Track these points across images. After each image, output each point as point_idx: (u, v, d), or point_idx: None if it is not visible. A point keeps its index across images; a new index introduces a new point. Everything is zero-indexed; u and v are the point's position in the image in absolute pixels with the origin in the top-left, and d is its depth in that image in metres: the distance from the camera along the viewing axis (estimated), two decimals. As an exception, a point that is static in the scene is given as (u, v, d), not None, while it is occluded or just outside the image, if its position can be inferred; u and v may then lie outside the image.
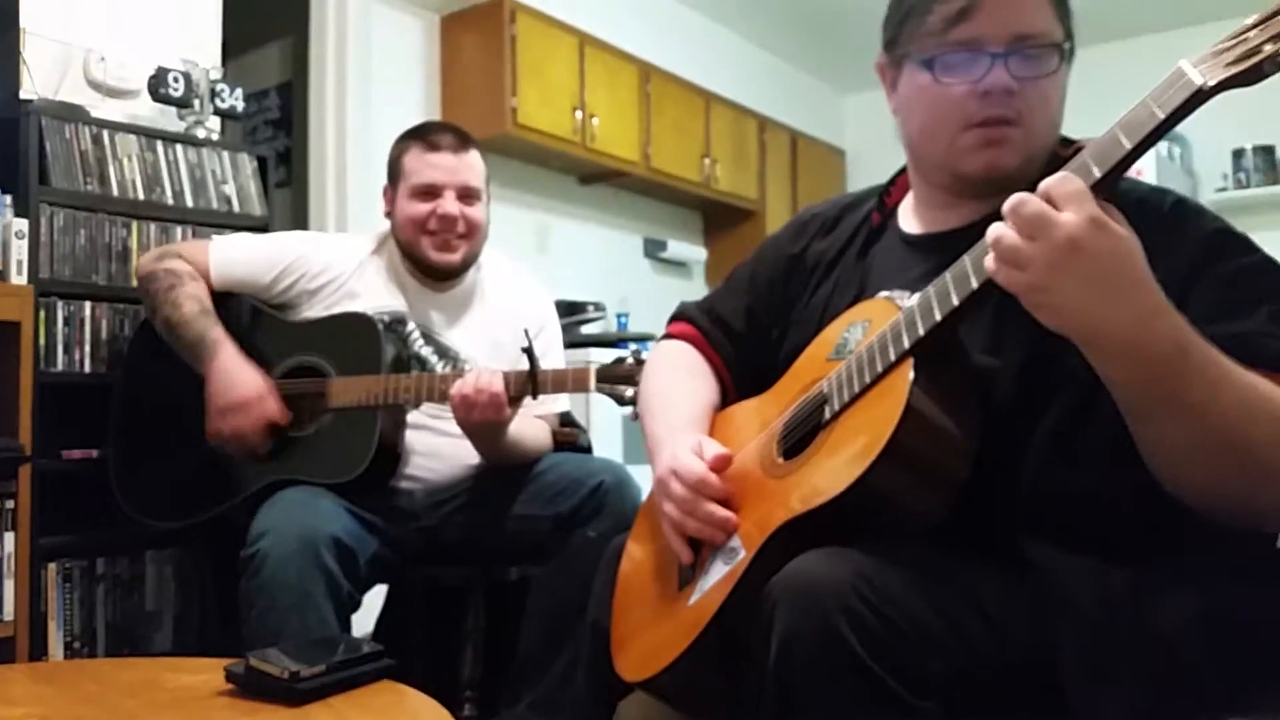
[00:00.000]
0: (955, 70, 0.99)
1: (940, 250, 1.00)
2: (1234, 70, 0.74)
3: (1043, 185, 0.79)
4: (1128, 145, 0.79)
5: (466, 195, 1.86)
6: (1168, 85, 0.77)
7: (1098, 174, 0.80)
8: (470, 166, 1.87)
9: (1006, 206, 0.80)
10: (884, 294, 1.04)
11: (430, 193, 1.84)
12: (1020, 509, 0.93)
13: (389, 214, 1.92)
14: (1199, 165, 4.78)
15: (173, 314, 1.80)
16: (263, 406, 1.73)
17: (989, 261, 0.82)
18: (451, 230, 1.84)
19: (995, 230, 0.81)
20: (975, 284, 0.86)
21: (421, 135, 1.88)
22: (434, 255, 1.85)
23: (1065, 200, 0.77)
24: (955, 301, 0.88)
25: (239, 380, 1.74)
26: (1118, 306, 0.78)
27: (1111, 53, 3.92)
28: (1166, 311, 0.80)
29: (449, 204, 1.83)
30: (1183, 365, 0.79)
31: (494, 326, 1.93)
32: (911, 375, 0.89)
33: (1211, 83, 0.75)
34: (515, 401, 1.68)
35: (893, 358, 0.92)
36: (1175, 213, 0.97)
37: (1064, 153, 0.99)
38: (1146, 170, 3.98)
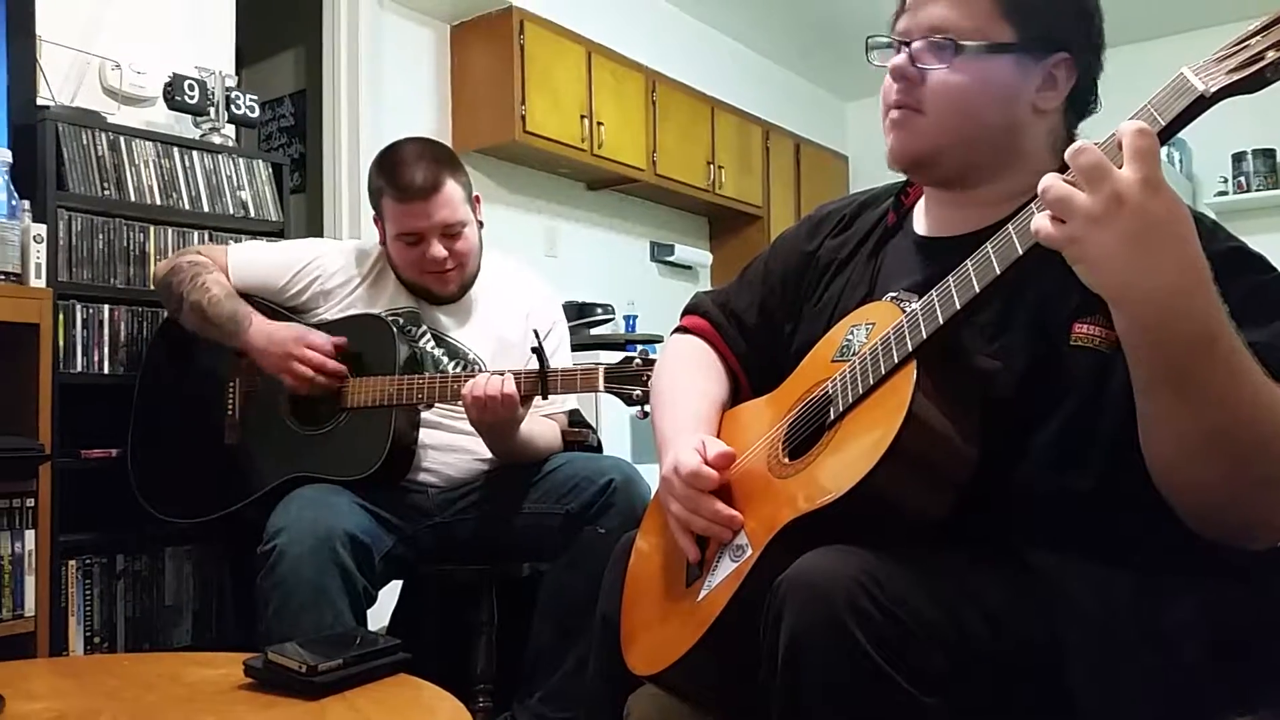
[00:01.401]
0: (884, 57, 1.07)
1: (950, 254, 0.98)
2: (1236, 77, 0.73)
3: (1120, 126, 0.76)
4: None
5: (449, 231, 1.83)
6: (1169, 92, 0.76)
7: None
8: (446, 203, 1.80)
9: (1068, 153, 0.77)
10: (889, 296, 1.05)
11: (414, 239, 1.83)
12: (1022, 512, 0.94)
13: (383, 243, 1.91)
14: (1199, 169, 4.77)
15: (201, 297, 1.84)
16: (310, 338, 1.78)
17: (1038, 220, 0.79)
18: (442, 269, 1.85)
19: (1046, 180, 0.78)
20: (978, 289, 0.86)
21: (392, 178, 1.81)
22: (434, 288, 1.88)
23: (1130, 155, 0.75)
24: (958, 306, 0.88)
25: (278, 332, 1.80)
26: (1153, 272, 0.75)
27: (1117, 58, 3.93)
28: (1205, 294, 0.77)
29: (435, 249, 1.82)
30: (1209, 350, 0.77)
31: (501, 325, 1.95)
32: (914, 378, 0.89)
33: (1213, 89, 0.74)
34: (526, 401, 1.71)
35: (896, 360, 0.92)
36: None
37: None
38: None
